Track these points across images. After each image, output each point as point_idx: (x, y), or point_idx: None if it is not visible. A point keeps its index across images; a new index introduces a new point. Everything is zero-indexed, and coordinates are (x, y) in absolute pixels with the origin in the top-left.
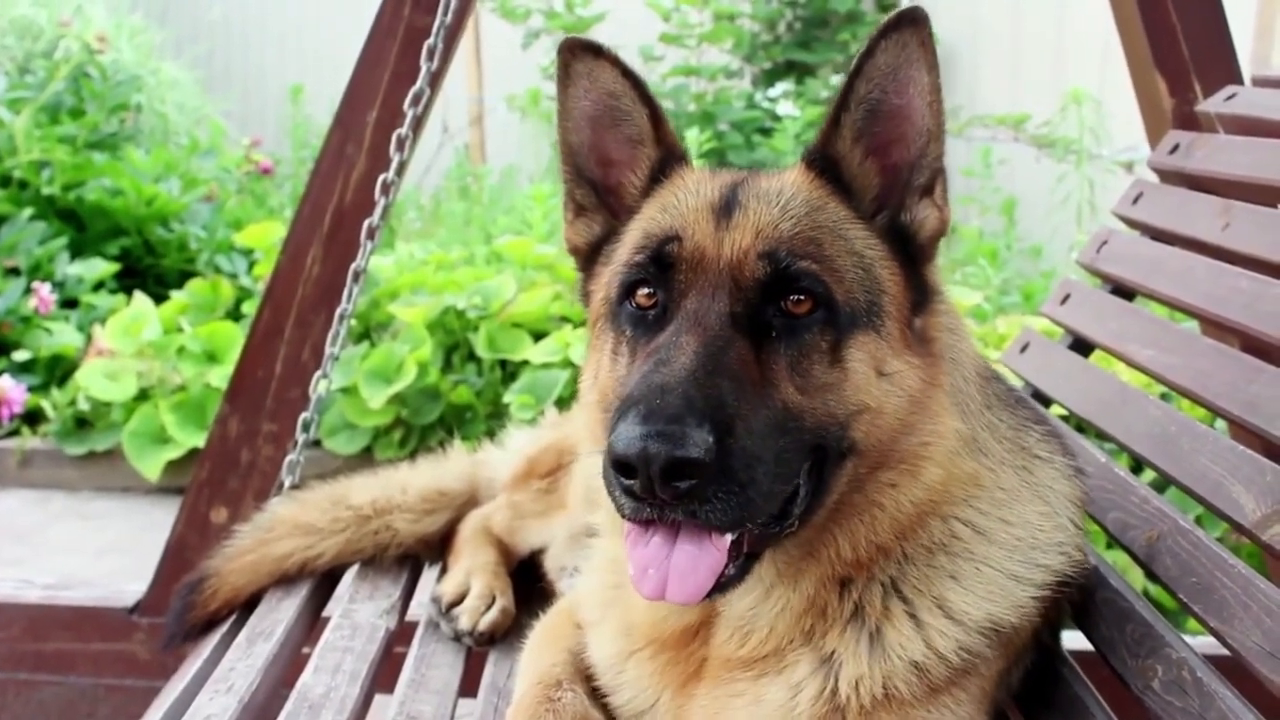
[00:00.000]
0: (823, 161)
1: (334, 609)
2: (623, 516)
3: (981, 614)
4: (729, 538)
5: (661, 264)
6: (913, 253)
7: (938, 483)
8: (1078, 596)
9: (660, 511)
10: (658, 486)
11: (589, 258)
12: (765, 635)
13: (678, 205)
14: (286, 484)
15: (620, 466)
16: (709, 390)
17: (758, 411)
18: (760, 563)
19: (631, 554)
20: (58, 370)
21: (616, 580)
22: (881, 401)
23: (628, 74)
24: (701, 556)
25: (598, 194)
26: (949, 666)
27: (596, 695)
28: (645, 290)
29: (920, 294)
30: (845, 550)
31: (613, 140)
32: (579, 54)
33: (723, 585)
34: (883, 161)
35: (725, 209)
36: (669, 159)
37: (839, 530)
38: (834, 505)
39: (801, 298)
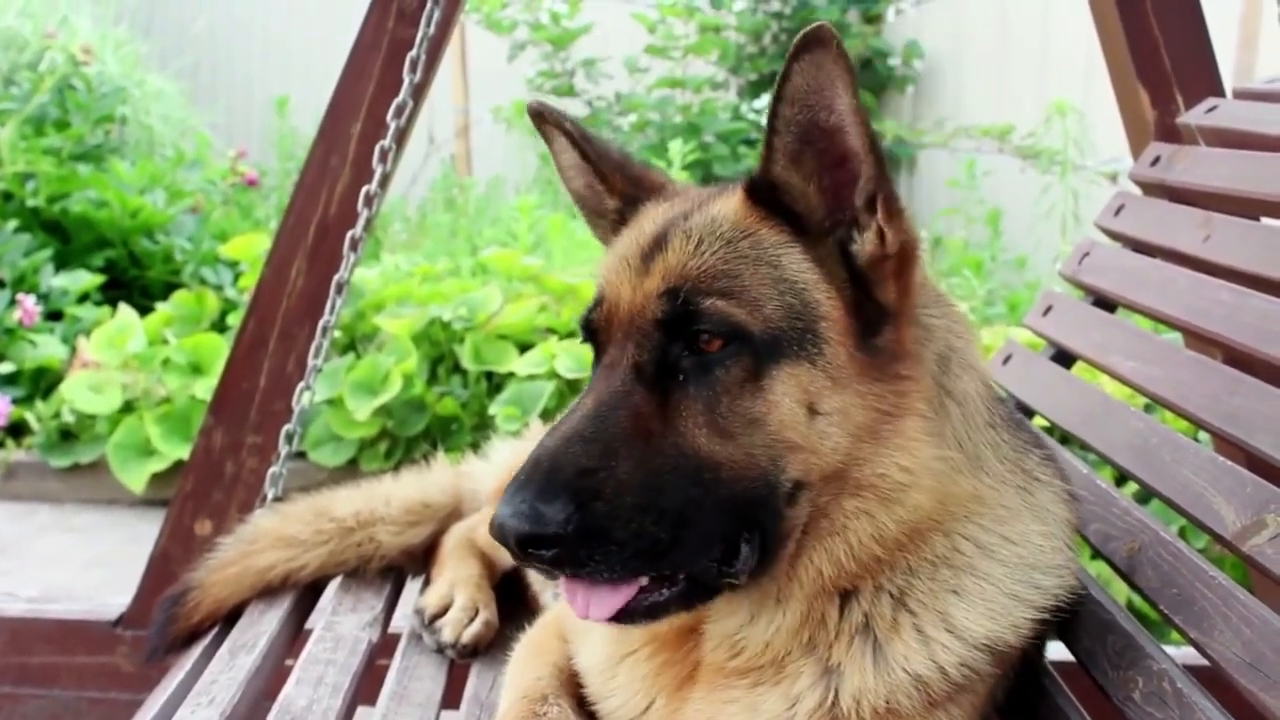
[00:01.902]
0: (764, 187)
1: (317, 621)
2: None
3: (983, 631)
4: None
5: (590, 326)
6: (860, 274)
7: (924, 506)
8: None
9: (545, 573)
10: (520, 558)
11: None
12: (760, 649)
13: (615, 253)
14: (270, 496)
15: (496, 537)
16: (579, 459)
17: (649, 463)
18: (717, 598)
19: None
20: (42, 382)
21: None
22: (813, 441)
23: (567, 134)
24: (615, 590)
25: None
26: (949, 682)
27: (583, 708)
28: (589, 345)
29: (875, 315)
30: (827, 569)
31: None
32: (537, 117)
33: (654, 610)
34: (823, 183)
35: (650, 254)
36: (625, 203)
37: (814, 553)
38: (800, 533)
39: (708, 335)
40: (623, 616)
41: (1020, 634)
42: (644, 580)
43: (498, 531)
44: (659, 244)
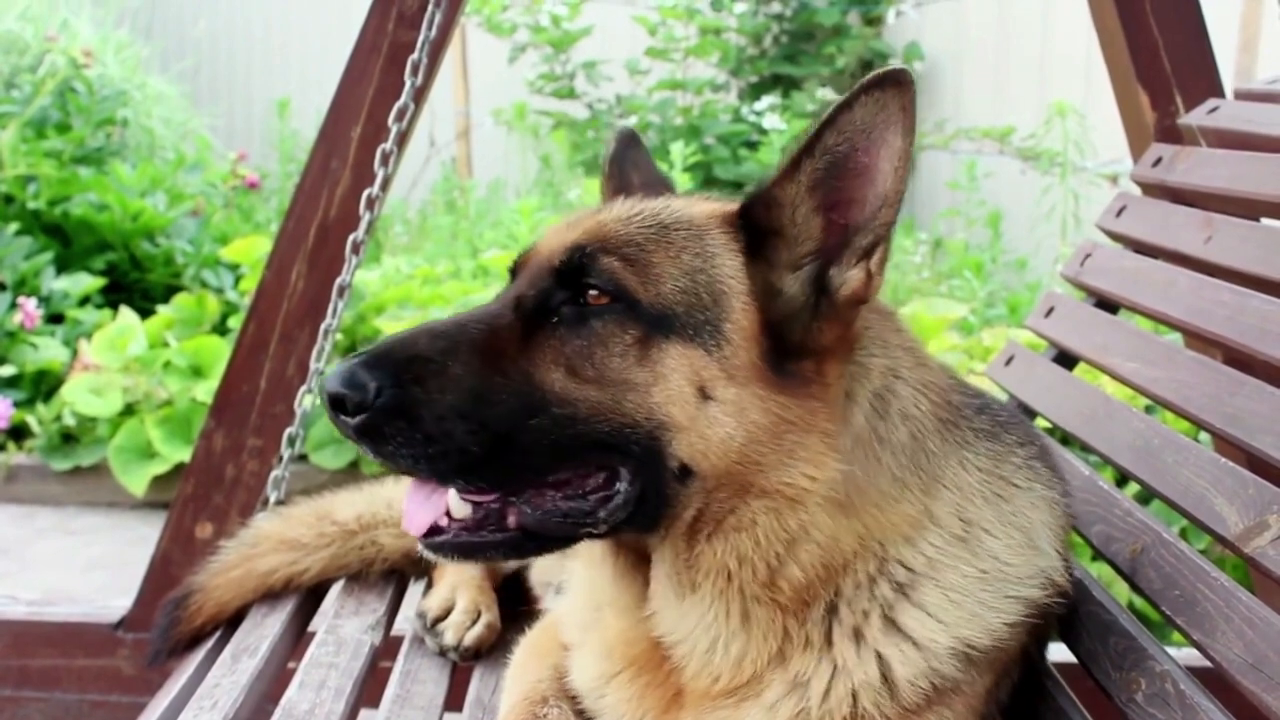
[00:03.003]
0: (763, 199)
1: (319, 624)
2: None
3: (949, 639)
4: (447, 494)
5: (512, 272)
6: (823, 308)
7: (828, 526)
8: (1064, 614)
9: (359, 446)
10: (332, 419)
11: None
12: (734, 670)
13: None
14: (272, 499)
15: (319, 397)
16: (419, 347)
17: (488, 378)
18: (557, 550)
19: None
20: (43, 385)
21: (595, 602)
22: (700, 425)
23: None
24: (429, 502)
25: None
26: (921, 691)
27: (582, 713)
28: None
29: (798, 345)
30: (741, 570)
31: None
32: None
33: (467, 548)
34: (831, 215)
35: (586, 217)
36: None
37: (720, 549)
38: (694, 521)
39: (595, 290)
40: (437, 547)
41: (997, 637)
42: (465, 513)
43: (319, 386)
44: (598, 211)
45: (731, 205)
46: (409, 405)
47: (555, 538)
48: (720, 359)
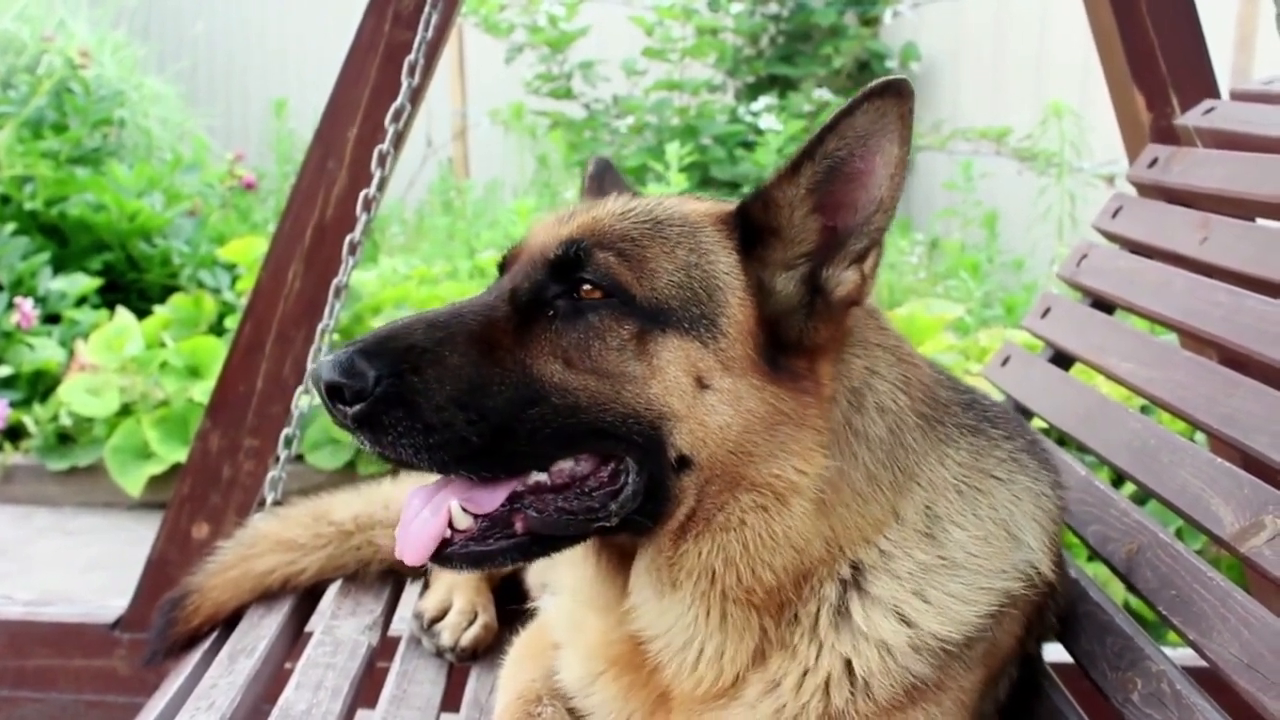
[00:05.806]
0: (762, 199)
1: (316, 625)
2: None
3: (912, 633)
4: (449, 508)
5: (501, 266)
6: (818, 307)
7: (802, 529)
8: (1062, 612)
9: (355, 437)
10: (328, 409)
11: None
12: (709, 663)
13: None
14: (270, 500)
15: (312, 382)
16: (416, 336)
17: (485, 368)
18: (559, 549)
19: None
20: (40, 385)
21: (578, 603)
22: (699, 413)
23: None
24: (430, 523)
25: None
26: (893, 688)
27: (574, 712)
28: None
29: (794, 341)
30: (726, 572)
31: None
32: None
33: (475, 558)
34: (826, 218)
35: (580, 212)
36: None
37: (705, 550)
38: (688, 516)
39: (590, 284)
40: (446, 559)
41: (969, 630)
42: (446, 512)
43: (313, 376)
44: (591, 206)
45: (724, 205)
46: (408, 395)
47: (565, 537)
48: (716, 350)
